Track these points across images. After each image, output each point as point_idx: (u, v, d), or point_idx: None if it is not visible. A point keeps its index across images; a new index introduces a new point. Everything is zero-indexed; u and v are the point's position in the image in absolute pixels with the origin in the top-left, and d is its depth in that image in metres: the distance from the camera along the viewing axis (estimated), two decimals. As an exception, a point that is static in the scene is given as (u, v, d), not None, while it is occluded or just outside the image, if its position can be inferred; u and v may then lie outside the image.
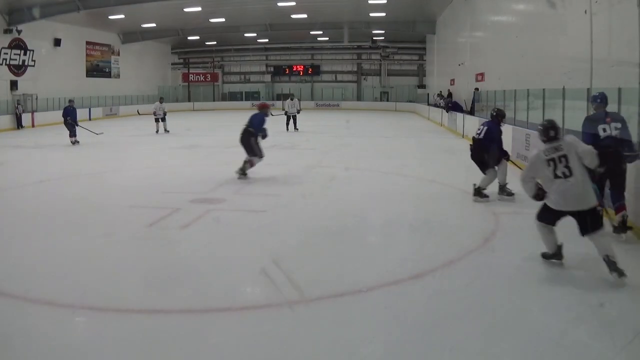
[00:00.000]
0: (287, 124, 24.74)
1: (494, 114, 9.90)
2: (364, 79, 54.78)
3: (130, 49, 46.54)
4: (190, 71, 55.44)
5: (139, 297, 5.22)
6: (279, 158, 15.36)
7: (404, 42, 50.05)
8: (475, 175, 9.95)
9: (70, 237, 7.57)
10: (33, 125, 30.93)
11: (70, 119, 19.76)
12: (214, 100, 54.80)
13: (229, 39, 51.00)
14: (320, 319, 4.85)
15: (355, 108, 48.90)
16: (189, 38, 49.03)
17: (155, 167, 14.35)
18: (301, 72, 55.80)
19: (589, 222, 5.75)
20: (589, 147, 6.04)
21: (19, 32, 32.51)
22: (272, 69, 56.57)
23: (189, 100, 52.80)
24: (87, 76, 41.46)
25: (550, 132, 6.07)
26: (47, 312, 4.77)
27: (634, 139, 7.49)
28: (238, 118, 34.99)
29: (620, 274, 5.55)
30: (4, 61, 32.44)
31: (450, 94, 30.36)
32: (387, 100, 52.19)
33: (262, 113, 12.14)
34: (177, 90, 55.06)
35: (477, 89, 24.13)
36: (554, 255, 6.24)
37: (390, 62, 53.47)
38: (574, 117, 11.32)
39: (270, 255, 6.55)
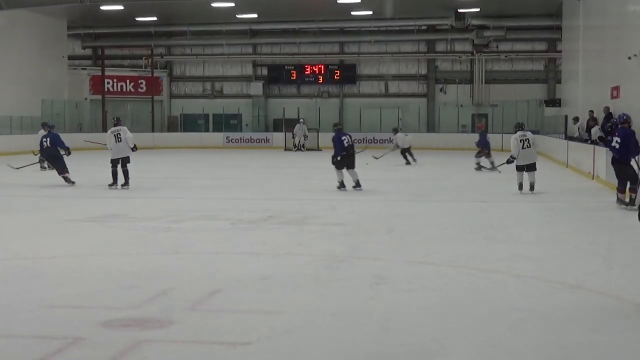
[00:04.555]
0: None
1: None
2: (441, 89, 33.89)
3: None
4: (108, 73, 33.95)
5: None
6: (276, 241, 9.26)
7: (519, 18, 30.66)
8: None
9: None
10: None
11: None
12: (152, 130, 33.50)
13: (182, 12, 31.20)
14: None
15: (425, 146, 26.66)
16: (104, 8, 28.80)
17: (33, 259, 8.00)
18: (320, 79, 34.10)
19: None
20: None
21: None
22: (264, 72, 35.42)
23: (105, 130, 26.62)
24: None
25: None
26: None
27: None
28: (204, 167, 22.18)
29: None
30: None
31: (609, 116, 17.71)
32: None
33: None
34: (82, 108, 33.54)
35: None
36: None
37: (492, 57, 32.90)
38: None
39: None
